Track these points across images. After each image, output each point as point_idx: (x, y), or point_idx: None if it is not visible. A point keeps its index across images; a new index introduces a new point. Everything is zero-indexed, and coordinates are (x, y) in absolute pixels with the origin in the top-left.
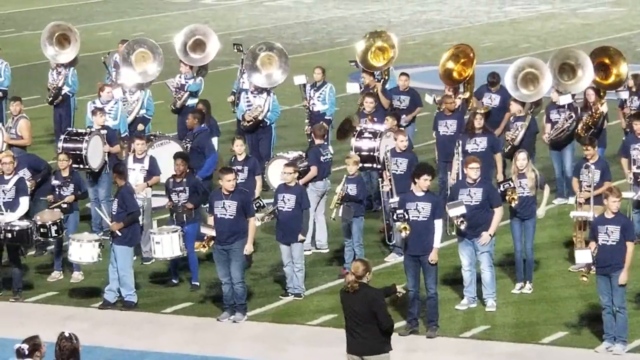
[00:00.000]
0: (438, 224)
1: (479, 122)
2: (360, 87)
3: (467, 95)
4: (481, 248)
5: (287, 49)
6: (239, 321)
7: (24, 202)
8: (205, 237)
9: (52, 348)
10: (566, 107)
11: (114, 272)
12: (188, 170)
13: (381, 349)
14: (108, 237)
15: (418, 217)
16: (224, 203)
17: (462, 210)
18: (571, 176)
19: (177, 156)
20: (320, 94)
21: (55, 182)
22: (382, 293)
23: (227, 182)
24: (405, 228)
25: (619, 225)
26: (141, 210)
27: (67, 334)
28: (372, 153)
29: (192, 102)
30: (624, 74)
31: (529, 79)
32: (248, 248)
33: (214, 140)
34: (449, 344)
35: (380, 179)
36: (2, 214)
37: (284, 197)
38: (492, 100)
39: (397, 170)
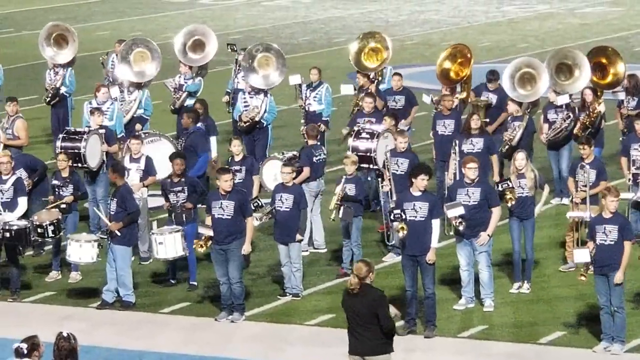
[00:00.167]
0: (435, 223)
1: (475, 123)
2: (355, 89)
3: (464, 95)
4: (479, 248)
5: (285, 49)
6: (236, 321)
7: (23, 202)
8: (203, 237)
9: (50, 348)
10: (564, 107)
11: (111, 272)
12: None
13: (383, 350)
14: (106, 237)
15: (415, 216)
16: (221, 203)
17: (460, 211)
18: (567, 176)
19: (175, 156)
20: (317, 94)
21: (54, 182)
22: (384, 295)
23: (225, 183)
24: (402, 228)
25: (617, 225)
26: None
27: (65, 334)
28: (368, 154)
29: (191, 102)
30: (621, 74)
31: (526, 79)
32: (246, 248)
33: (212, 140)
34: (446, 344)
35: (379, 179)
36: (0, 213)
37: (281, 196)
38: (488, 99)
39: (397, 171)
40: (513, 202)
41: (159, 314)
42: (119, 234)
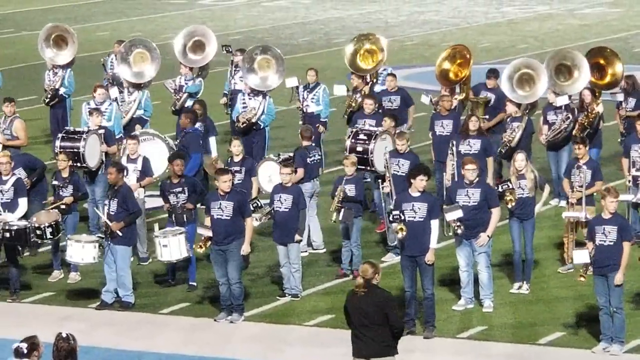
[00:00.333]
0: (434, 224)
1: (473, 125)
2: (348, 90)
3: (463, 96)
4: (479, 249)
5: (284, 49)
6: (236, 322)
7: (23, 203)
8: (203, 238)
9: (49, 348)
10: (563, 108)
11: (110, 273)
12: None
13: (388, 353)
14: (104, 237)
15: (414, 217)
16: (220, 204)
17: (459, 214)
18: (556, 177)
19: (175, 156)
20: (314, 95)
21: (54, 182)
22: (392, 295)
23: (223, 183)
24: (401, 229)
25: (616, 226)
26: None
27: (64, 335)
28: (365, 155)
29: (191, 103)
30: (620, 75)
31: (524, 79)
32: (245, 248)
33: (212, 140)
34: (446, 344)
35: (379, 181)
36: (0, 214)
37: (280, 197)
38: (487, 97)
39: (398, 172)
40: (513, 203)
41: (158, 315)
42: (120, 234)
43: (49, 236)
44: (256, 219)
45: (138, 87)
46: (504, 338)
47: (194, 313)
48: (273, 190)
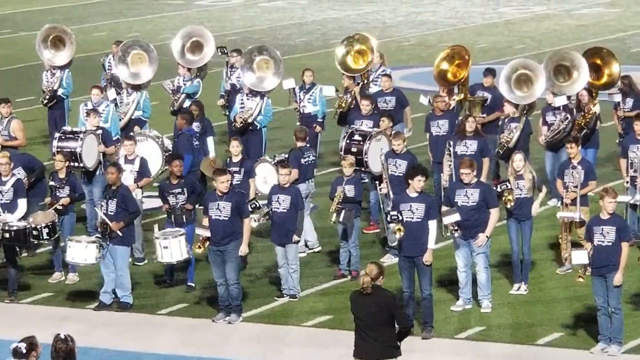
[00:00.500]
0: (432, 224)
1: (470, 126)
2: (337, 90)
3: (461, 96)
4: (477, 249)
5: (281, 50)
6: (234, 322)
7: (22, 204)
8: (201, 238)
9: (47, 349)
10: (561, 108)
11: (108, 274)
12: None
13: (391, 354)
14: (103, 238)
15: (412, 218)
16: (218, 204)
17: (456, 217)
18: (552, 178)
19: (174, 157)
20: (311, 96)
21: (51, 183)
22: (396, 295)
23: (221, 184)
24: (399, 229)
25: (615, 226)
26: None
27: (62, 336)
28: (359, 156)
29: (189, 104)
30: (616, 75)
31: (522, 80)
32: (243, 249)
33: (209, 141)
34: (444, 345)
35: (377, 182)
36: (0, 214)
37: (278, 198)
38: (484, 96)
39: (396, 172)
40: (512, 203)
41: (157, 315)
42: (120, 234)
43: (45, 237)
44: (255, 220)
45: (137, 88)
46: (502, 338)
47: (192, 314)
48: (271, 191)
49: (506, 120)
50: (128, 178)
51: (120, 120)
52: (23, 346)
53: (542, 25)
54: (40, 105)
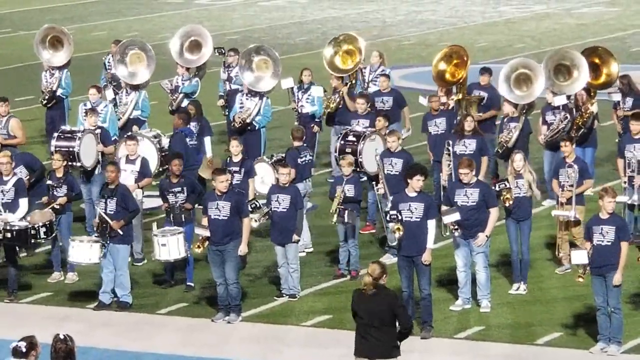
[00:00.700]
0: (431, 224)
1: (469, 125)
2: (325, 90)
3: (459, 96)
4: (477, 249)
5: (281, 49)
6: (233, 322)
7: (24, 204)
8: (200, 238)
9: (47, 349)
10: (561, 108)
11: (107, 274)
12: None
13: (392, 354)
14: (102, 237)
15: (411, 217)
16: (217, 204)
17: (456, 217)
18: (549, 177)
19: (174, 156)
20: (309, 96)
21: (49, 182)
22: (399, 295)
23: (220, 184)
24: (398, 229)
25: (614, 226)
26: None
27: (62, 336)
28: (353, 156)
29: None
30: (615, 74)
31: (522, 79)
32: (242, 249)
33: (207, 140)
34: (443, 345)
35: (374, 183)
36: (1, 214)
37: (277, 197)
38: (480, 95)
39: (392, 171)
40: (510, 202)
41: (156, 315)
42: (121, 232)
43: (42, 236)
44: (255, 220)
45: (136, 87)
46: (501, 338)
47: (192, 313)
48: (270, 191)
49: (505, 119)
50: (129, 178)
51: (119, 120)
52: (23, 345)
53: (542, 24)
54: (40, 105)
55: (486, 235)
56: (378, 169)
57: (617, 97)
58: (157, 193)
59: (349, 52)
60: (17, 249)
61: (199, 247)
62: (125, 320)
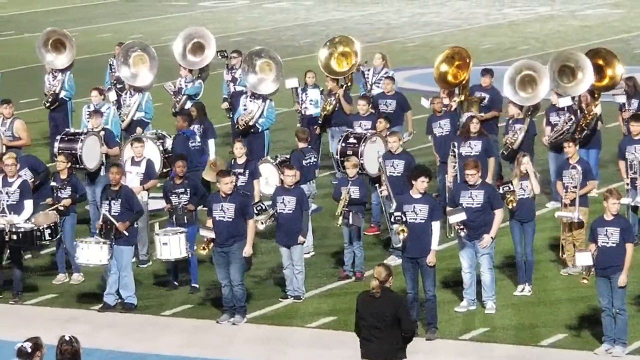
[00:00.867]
0: (435, 226)
1: (474, 127)
2: (321, 93)
3: (462, 98)
4: (482, 250)
5: (285, 51)
6: (238, 323)
7: (29, 206)
8: (205, 239)
9: (52, 351)
10: (565, 109)
11: (111, 275)
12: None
13: (397, 356)
14: (107, 238)
15: (416, 219)
16: (222, 205)
17: (462, 216)
18: (554, 179)
19: (178, 158)
20: (312, 98)
21: (53, 184)
22: (405, 298)
23: (225, 185)
24: (403, 230)
25: (619, 227)
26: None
27: (67, 338)
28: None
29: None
30: (619, 76)
31: (527, 81)
32: (247, 250)
33: (210, 143)
34: (448, 346)
35: (377, 185)
36: (5, 215)
37: (283, 199)
38: (481, 95)
39: (394, 173)
40: (514, 204)
41: (161, 317)
42: (127, 233)
43: (47, 238)
44: (261, 222)
45: (139, 89)
46: (506, 340)
47: (197, 315)
48: (275, 193)
49: (510, 121)
50: (134, 180)
51: (122, 121)
52: (28, 346)
53: (546, 26)
54: (43, 107)
55: (491, 237)
56: (380, 171)
57: (620, 98)
58: (162, 194)
59: (345, 55)
60: (22, 251)
61: (204, 248)
62: (130, 321)
